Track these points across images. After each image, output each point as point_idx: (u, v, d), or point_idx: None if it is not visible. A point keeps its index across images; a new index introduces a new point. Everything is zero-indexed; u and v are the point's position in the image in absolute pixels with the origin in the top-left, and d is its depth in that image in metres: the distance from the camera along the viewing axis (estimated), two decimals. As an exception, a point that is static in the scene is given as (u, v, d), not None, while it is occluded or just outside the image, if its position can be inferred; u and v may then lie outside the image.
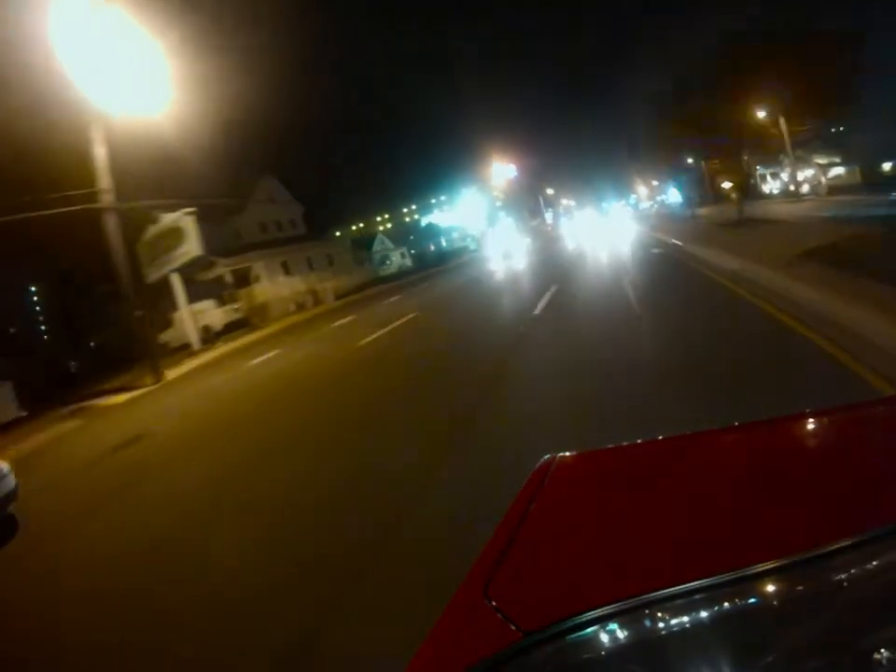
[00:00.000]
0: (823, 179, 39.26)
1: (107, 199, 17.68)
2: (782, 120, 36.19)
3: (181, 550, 5.12)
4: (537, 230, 79.84)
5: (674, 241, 22.31)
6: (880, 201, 24.35)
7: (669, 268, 15.52)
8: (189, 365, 20.81)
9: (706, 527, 0.98)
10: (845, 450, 1.19)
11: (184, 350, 23.29)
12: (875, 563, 0.73)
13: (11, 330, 44.27)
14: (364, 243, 67.12)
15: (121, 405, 17.05)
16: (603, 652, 0.72)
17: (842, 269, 8.61)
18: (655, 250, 21.66)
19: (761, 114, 37.16)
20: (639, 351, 7.51)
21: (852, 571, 0.73)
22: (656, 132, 51.59)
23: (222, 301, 31.46)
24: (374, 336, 15.23)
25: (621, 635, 0.72)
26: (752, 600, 0.74)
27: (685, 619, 0.72)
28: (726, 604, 0.72)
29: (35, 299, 51.84)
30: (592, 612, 0.75)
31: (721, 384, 5.22)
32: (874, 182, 32.77)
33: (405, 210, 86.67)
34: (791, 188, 39.54)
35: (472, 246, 69.58)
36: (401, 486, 4.92)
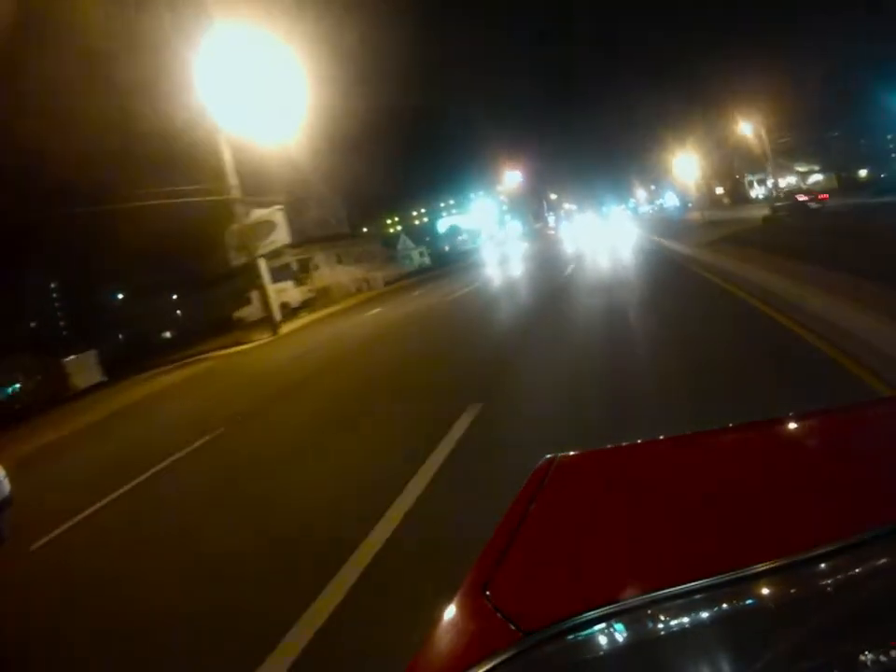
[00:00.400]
0: (803, 185, 41.30)
1: (235, 193, 24.23)
2: (763, 132, 39.32)
3: (373, 389, 9.32)
4: (540, 232, 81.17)
5: (656, 237, 29.66)
6: (839, 203, 29.50)
7: (643, 251, 25.41)
8: (290, 327, 25.71)
9: (705, 527, 0.97)
10: (845, 450, 1.18)
11: (264, 322, 26.96)
12: (875, 563, 0.73)
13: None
14: (385, 241, 70.13)
15: (251, 350, 22.24)
16: (603, 652, 0.71)
17: (736, 244, 17.66)
18: (640, 240, 31.78)
19: (745, 127, 41.08)
20: (622, 268, 19.17)
21: (852, 571, 0.73)
22: (655, 139, 58.08)
23: (297, 283, 37.77)
24: (451, 297, 21.30)
25: (621, 635, 0.72)
26: (752, 600, 0.73)
27: (685, 619, 0.71)
28: (726, 604, 0.72)
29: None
30: (592, 612, 0.74)
31: (661, 293, 12.48)
32: (850, 187, 34.60)
33: (415, 213, 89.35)
34: (774, 193, 41.77)
35: (484, 246, 71.89)
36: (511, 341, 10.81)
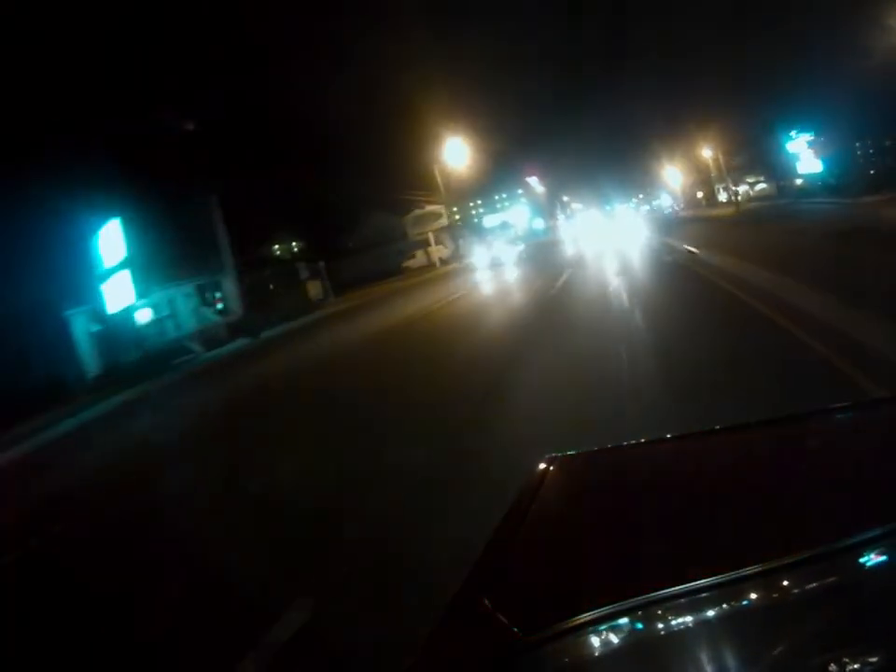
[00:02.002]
0: (751, 192, 49.91)
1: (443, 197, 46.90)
2: (720, 154, 48.60)
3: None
4: (554, 228, 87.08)
5: (642, 227, 37.37)
6: (770, 204, 36.04)
7: (631, 235, 31.29)
8: (443, 270, 41.52)
9: (705, 527, 0.91)
10: (845, 450, 1.13)
11: (425, 268, 46.59)
12: (874, 563, 0.69)
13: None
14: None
15: (433, 272, 40.00)
16: (603, 653, 0.67)
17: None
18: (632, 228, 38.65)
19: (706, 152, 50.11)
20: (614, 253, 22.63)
21: (852, 572, 0.70)
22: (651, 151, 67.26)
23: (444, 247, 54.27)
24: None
25: (620, 635, 0.68)
26: (752, 600, 0.69)
27: (685, 619, 0.68)
28: (726, 604, 0.68)
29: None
30: (591, 613, 0.69)
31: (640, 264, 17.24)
32: (786, 193, 39.18)
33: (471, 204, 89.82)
34: (731, 198, 50.26)
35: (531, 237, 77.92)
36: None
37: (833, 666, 0.58)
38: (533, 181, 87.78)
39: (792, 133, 34.13)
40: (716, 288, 9.97)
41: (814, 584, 0.70)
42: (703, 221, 34.92)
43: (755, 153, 46.05)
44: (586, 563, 0.90)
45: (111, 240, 22.38)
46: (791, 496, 0.95)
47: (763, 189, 50.71)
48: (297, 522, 4.35)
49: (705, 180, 59.82)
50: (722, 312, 8.21)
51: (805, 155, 33.65)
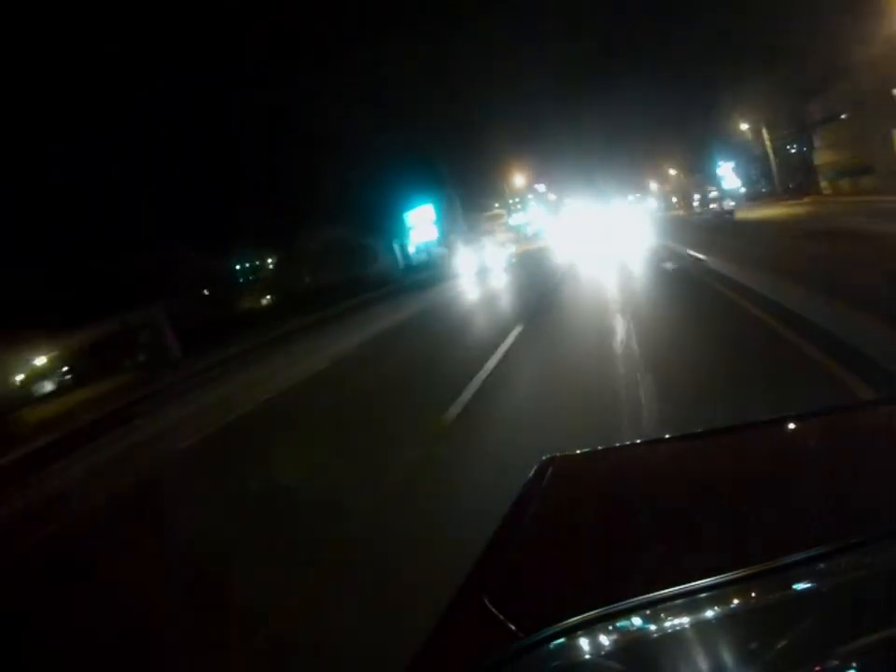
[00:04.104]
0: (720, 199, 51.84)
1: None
2: (681, 173, 58.76)
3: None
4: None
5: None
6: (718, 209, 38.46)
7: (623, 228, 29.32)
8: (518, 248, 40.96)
9: (705, 528, 0.88)
10: (845, 451, 1.07)
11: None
12: (874, 564, 0.67)
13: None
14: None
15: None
16: (603, 653, 0.65)
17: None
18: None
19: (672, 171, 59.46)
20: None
21: (851, 572, 0.67)
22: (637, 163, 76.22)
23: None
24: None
25: (620, 635, 0.66)
26: (751, 601, 0.67)
27: (684, 619, 0.66)
28: (725, 605, 0.66)
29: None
30: (591, 613, 0.67)
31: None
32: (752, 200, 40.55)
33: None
34: (700, 205, 53.21)
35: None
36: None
37: (831, 666, 0.54)
38: (541, 188, 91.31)
39: (720, 163, 45.70)
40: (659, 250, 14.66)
41: (814, 585, 0.65)
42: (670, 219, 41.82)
43: (700, 175, 57.85)
44: (586, 563, 0.84)
45: (424, 212, 41.15)
46: (790, 496, 0.88)
47: (713, 198, 57.93)
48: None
49: (676, 189, 69.42)
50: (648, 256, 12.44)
51: (728, 175, 45.57)
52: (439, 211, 41.40)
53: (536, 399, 4.98)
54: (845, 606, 0.62)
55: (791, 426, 1.22)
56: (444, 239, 39.62)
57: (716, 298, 7.60)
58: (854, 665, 0.55)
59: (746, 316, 6.08)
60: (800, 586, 0.66)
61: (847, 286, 5.93)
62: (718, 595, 0.65)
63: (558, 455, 1.20)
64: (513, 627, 0.70)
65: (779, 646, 0.59)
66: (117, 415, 11.59)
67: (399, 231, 40.55)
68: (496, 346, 7.32)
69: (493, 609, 0.75)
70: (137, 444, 8.28)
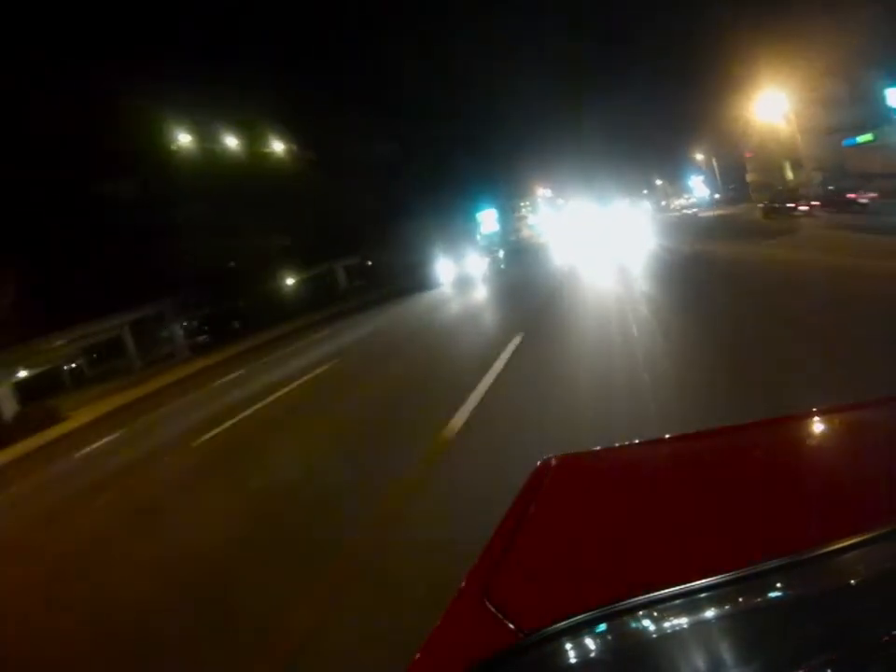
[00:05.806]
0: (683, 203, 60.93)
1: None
2: (665, 183, 65.08)
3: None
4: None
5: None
6: (691, 212, 44.46)
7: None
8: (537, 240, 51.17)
9: (705, 527, 0.85)
10: (845, 450, 1.05)
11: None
12: (875, 563, 0.66)
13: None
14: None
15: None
16: (603, 653, 0.64)
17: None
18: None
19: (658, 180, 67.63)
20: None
21: (852, 571, 0.66)
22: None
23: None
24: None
25: (620, 635, 0.65)
26: (751, 601, 0.65)
27: (684, 619, 0.64)
28: (725, 604, 0.65)
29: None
30: (591, 613, 0.66)
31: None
32: (694, 205, 48.10)
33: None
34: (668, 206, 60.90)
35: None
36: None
37: (831, 666, 0.53)
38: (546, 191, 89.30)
39: (692, 176, 54.03)
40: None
41: (814, 585, 0.64)
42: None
43: (678, 185, 65.29)
44: (586, 563, 0.82)
45: (488, 214, 53.17)
46: (791, 495, 0.86)
47: (689, 203, 66.75)
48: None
49: (662, 195, 76.11)
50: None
51: (698, 186, 53.83)
52: (498, 212, 59.37)
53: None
54: (845, 605, 0.60)
55: (791, 425, 1.19)
56: (500, 230, 55.88)
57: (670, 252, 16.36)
58: (855, 664, 0.53)
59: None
60: (800, 586, 0.64)
61: (710, 233, 18.54)
62: (718, 594, 0.64)
63: (558, 455, 1.16)
64: (513, 627, 0.68)
65: (779, 646, 0.58)
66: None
67: (474, 225, 57.17)
68: (573, 268, 18.05)
69: (493, 609, 0.73)
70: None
